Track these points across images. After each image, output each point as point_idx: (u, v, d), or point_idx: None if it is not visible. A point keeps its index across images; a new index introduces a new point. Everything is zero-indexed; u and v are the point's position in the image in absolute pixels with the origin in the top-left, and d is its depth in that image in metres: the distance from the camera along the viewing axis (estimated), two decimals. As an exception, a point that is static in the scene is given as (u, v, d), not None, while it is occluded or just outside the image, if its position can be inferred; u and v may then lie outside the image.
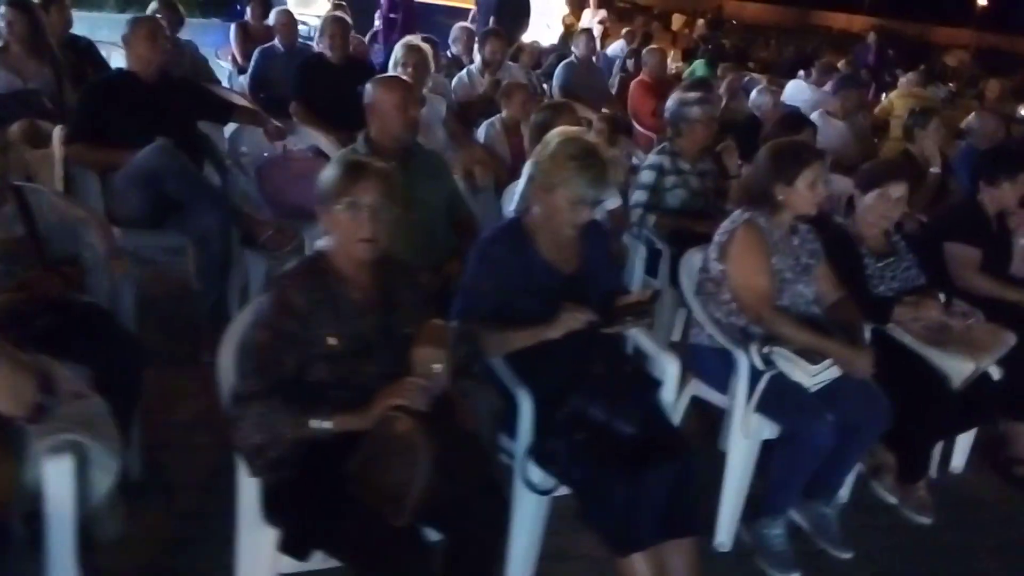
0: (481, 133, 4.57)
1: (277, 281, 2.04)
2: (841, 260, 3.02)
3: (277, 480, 1.89)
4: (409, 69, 4.21)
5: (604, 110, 5.92)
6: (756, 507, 2.72)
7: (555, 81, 6.91)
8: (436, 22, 8.90)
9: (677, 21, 21.96)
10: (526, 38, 8.89)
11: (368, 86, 3.06)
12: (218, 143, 4.03)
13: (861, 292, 2.97)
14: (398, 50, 4.31)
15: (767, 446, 2.71)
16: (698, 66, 10.52)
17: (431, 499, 1.73)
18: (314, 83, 4.77)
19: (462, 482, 1.86)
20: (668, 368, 2.53)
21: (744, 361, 2.64)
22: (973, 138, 5.33)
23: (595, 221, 2.54)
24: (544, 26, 12.64)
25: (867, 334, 2.90)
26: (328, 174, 2.02)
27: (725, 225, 2.78)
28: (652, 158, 3.77)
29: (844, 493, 2.98)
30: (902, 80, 8.62)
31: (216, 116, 4.04)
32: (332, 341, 1.94)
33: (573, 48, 7.28)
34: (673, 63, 11.90)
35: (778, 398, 2.57)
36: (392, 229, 1.99)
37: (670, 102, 3.84)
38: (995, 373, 3.13)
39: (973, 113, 5.60)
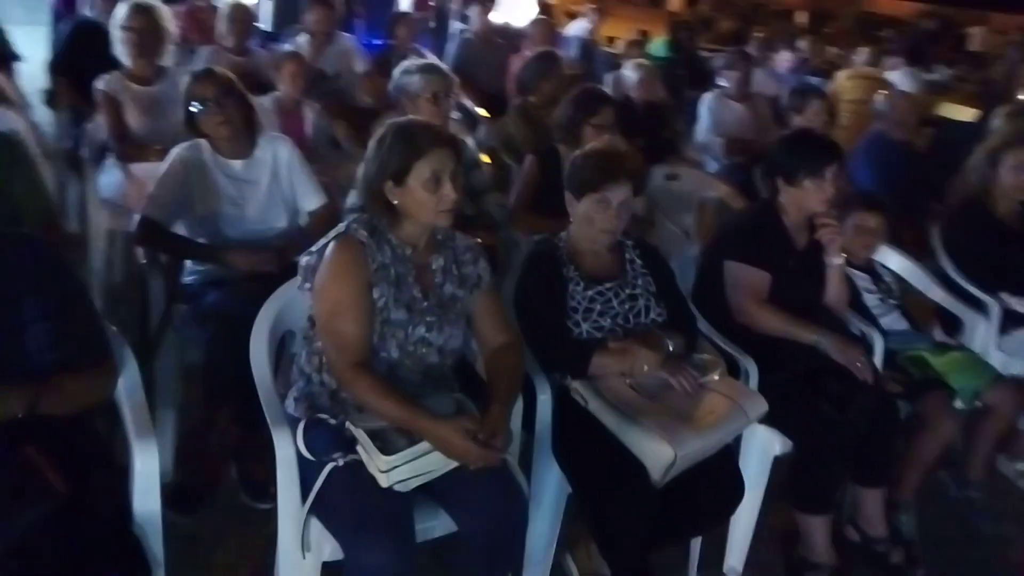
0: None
1: None
2: (536, 287, 2.18)
3: None
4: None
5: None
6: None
7: (447, 59, 6.11)
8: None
9: (674, 2, 20.84)
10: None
11: None
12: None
13: (552, 333, 2.12)
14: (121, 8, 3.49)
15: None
16: (656, 46, 9.60)
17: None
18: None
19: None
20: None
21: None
22: (884, 124, 4.36)
23: None
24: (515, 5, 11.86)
25: (548, 394, 2.06)
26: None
27: (322, 240, 1.94)
28: (374, 146, 2.91)
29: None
30: (854, 58, 7.58)
31: None
32: None
33: (467, 21, 6.42)
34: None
35: (336, 504, 1.74)
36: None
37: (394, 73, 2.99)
38: (777, 447, 2.28)
39: (883, 94, 4.61)
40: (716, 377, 2.10)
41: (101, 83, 3.46)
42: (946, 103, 8.06)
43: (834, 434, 2.26)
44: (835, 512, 2.42)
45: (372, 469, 1.71)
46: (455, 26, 6.76)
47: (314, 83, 4.44)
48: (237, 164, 2.62)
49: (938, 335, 3.07)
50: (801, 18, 20.21)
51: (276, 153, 2.66)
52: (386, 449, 1.70)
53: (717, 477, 2.02)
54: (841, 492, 2.62)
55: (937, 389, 2.65)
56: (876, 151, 4.24)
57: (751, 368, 2.33)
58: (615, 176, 2.16)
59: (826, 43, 10.81)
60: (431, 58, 6.59)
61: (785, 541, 2.49)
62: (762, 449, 2.34)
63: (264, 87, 3.95)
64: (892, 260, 3.11)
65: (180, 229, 2.60)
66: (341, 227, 1.90)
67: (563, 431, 2.08)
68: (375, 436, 1.73)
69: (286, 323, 2.09)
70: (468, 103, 5.27)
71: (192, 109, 2.55)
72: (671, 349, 2.11)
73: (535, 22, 5.93)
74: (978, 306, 3.08)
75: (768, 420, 2.33)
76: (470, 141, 3.78)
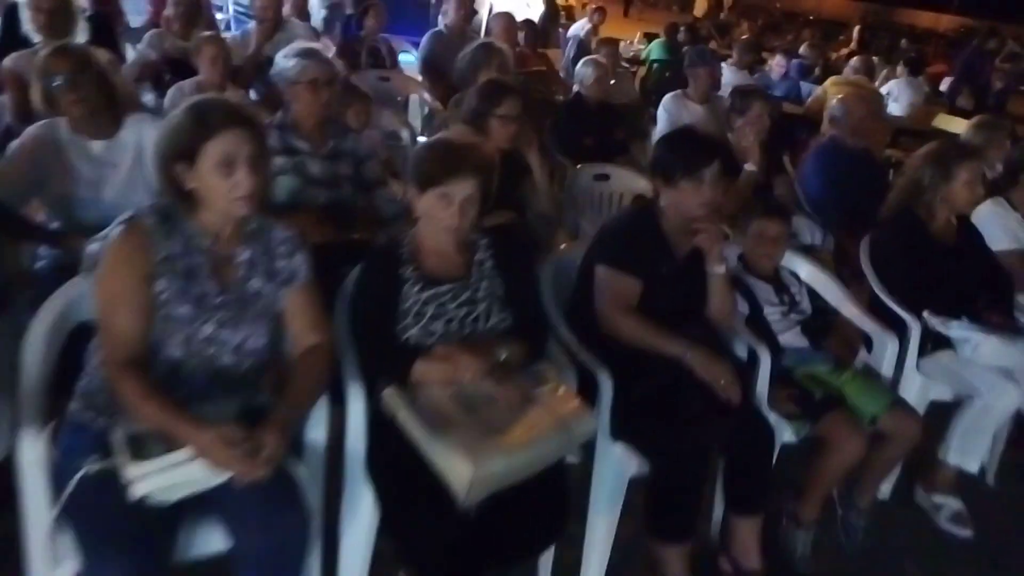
0: (167, 101, 3.68)
1: None
2: (366, 287, 2.04)
3: None
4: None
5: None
6: None
7: (419, 52, 5.98)
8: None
9: (700, 6, 20.52)
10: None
11: None
12: None
13: (374, 336, 1.98)
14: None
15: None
16: (654, 47, 9.40)
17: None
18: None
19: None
20: None
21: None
22: (838, 130, 4.14)
23: None
24: (524, 4, 11.72)
25: (360, 406, 1.91)
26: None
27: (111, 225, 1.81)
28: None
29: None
30: (848, 66, 7.33)
31: None
32: None
33: (441, 16, 6.26)
34: (638, 44, 10.78)
35: (82, 515, 1.60)
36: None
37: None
38: (632, 467, 2.12)
39: (838, 97, 4.38)
40: (552, 390, 1.94)
41: (8, 61, 3.37)
42: (944, 115, 7.80)
43: (689, 456, 2.09)
44: (692, 541, 2.23)
45: (125, 478, 1.57)
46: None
47: (260, 69, 4.35)
48: (97, 145, 2.50)
49: (863, 354, 2.88)
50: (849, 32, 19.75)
51: (142, 135, 2.54)
52: (139, 456, 1.56)
53: (537, 504, 1.86)
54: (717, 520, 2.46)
55: (838, 408, 2.46)
56: (827, 158, 4.03)
57: (605, 381, 2.16)
58: (458, 170, 2.00)
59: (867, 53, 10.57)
60: (405, 49, 6.58)
61: (650, 568, 2.32)
62: (616, 469, 2.17)
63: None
64: (803, 271, 2.91)
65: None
66: (128, 213, 1.77)
67: (377, 445, 1.93)
68: (134, 441, 1.59)
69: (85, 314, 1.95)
70: (428, 97, 5.14)
71: (47, 86, 2.44)
72: (503, 358, 1.94)
73: (497, 15, 5.75)
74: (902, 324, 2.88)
75: (624, 438, 2.18)
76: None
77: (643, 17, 20.85)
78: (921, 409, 2.91)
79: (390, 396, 1.86)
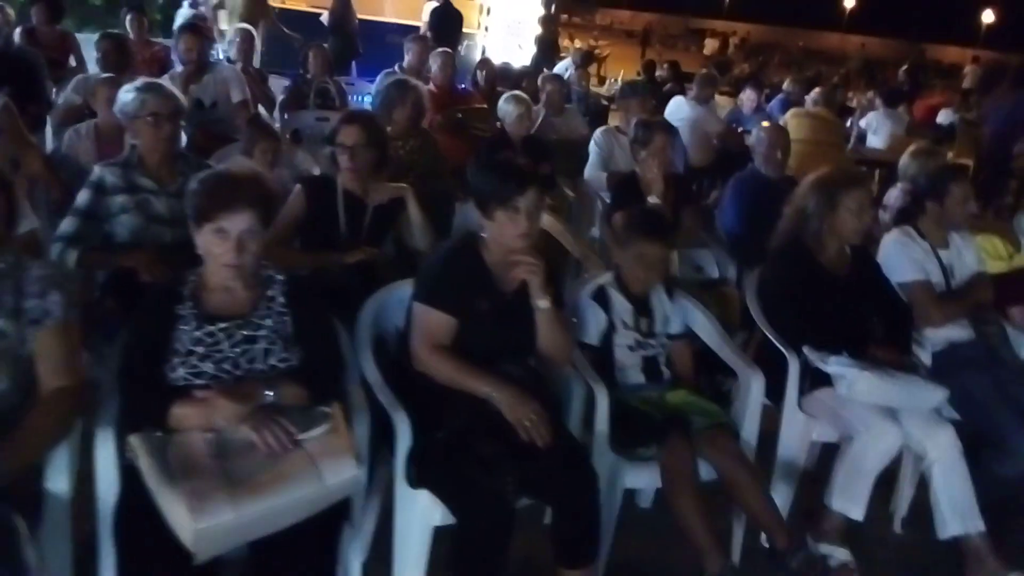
0: (65, 141, 3.68)
1: None
2: (137, 328, 1.94)
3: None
4: None
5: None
6: None
7: (375, 98, 5.97)
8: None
9: (710, 46, 20.59)
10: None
11: None
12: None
13: (134, 379, 1.87)
14: None
15: None
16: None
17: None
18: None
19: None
20: None
21: None
22: (757, 160, 4.01)
23: None
24: (516, 47, 11.81)
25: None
26: None
27: None
28: (95, 171, 2.72)
29: None
30: (807, 98, 7.19)
31: None
32: None
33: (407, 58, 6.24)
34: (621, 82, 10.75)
35: None
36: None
37: (121, 91, 2.80)
38: (437, 517, 1.98)
39: (756, 127, 4.25)
40: (326, 434, 1.80)
41: None
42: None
43: (485, 503, 1.93)
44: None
45: None
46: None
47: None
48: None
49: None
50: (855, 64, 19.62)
51: None
52: None
53: (309, 558, 1.72)
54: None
55: (681, 429, 2.32)
56: (743, 189, 3.90)
57: (401, 424, 2.02)
58: (232, 203, 1.91)
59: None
60: (358, 89, 6.58)
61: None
62: (420, 519, 2.02)
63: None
64: (680, 301, 2.74)
65: None
66: None
67: (131, 494, 1.80)
68: None
69: None
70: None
71: None
72: (269, 400, 1.82)
73: (436, 53, 5.70)
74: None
75: (427, 485, 2.03)
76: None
77: (660, 57, 21.02)
78: (803, 450, 2.73)
79: (134, 442, 1.74)
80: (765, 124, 4.18)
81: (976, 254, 3.24)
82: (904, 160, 4.19)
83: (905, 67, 16.40)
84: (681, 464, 2.25)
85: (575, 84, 8.37)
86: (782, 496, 2.70)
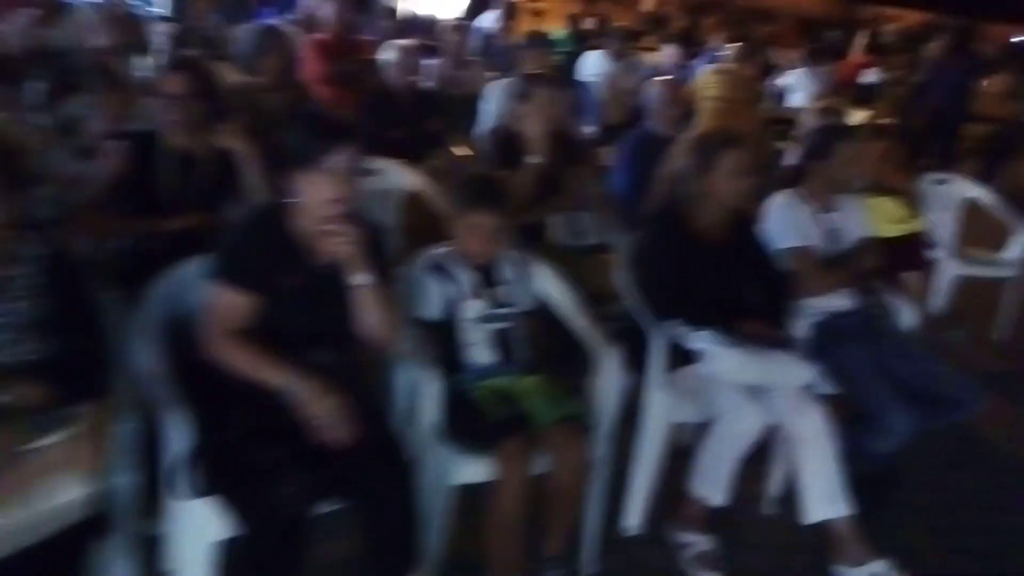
0: None
1: None
2: None
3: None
4: None
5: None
6: None
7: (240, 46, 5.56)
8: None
9: (647, 2, 20.13)
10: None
11: None
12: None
13: None
14: None
15: None
16: (559, 37, 9.06)
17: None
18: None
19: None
20: None
21: None
22: (649, 118, 3.79)
23: None
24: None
25: None
26: None
27: None
28: None
29: None
30: (725, 54, 7.01)
31: None
32: None
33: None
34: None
35: None
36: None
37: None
38: (217, 530, 1.73)
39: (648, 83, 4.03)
40: (61, 444, 1.54)
41: None
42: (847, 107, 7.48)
43: (266, 514, 1.69)
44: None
45: None
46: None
47: (33, 59, 3.94)
48: None
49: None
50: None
51: None
52: None
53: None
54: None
55: (520, 431, 2.09)
56: (632, 148, 3.68)
57: (174, 425, 1.76)
58: None
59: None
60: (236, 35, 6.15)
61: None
62: (198, 532, 1.77)
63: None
64: (534, 271, 2.51)
65: None
66: None
67: None
68: None
69: None
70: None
71: None
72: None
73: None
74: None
75: (211, 493, 1.78)
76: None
77: (597, 11, 20.50)
78: (660, 431, 2.55)
79: None
80: (656, 79, 3.93)
81: (864, 218, 3.08)
82: (804, 119, 4.02)
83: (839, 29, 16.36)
84: (510, 474, 2.02)
85: (500, 38, 8.04)
86: (642, 481, 2.53)
